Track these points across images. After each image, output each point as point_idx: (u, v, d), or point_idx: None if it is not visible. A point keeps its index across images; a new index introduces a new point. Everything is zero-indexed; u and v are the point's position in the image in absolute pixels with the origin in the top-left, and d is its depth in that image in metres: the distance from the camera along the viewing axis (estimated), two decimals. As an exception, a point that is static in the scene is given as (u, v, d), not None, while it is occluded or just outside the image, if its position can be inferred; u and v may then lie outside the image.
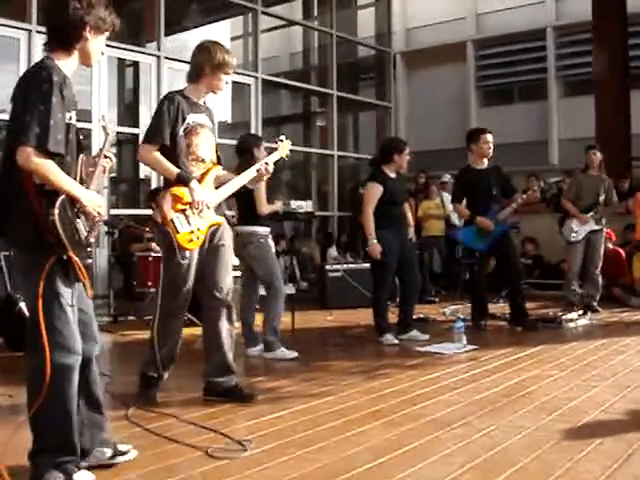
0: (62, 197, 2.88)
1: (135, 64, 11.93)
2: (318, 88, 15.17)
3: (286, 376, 5.36)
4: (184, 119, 4.35)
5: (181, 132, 4.34)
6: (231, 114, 14.99)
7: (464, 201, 7.68)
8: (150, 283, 7.77)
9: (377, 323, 6.87)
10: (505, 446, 3.54)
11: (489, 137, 7.53)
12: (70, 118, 2.99)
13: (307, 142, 15.96)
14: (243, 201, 6.04)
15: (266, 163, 4.67)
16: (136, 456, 3.32)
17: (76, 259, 2.90)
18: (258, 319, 6.40)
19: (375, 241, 6.65)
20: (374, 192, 6.76)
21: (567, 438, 3.68)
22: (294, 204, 7.82)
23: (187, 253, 4.32)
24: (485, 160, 7.58)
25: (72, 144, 3.03)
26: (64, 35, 3.06)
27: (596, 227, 8.51)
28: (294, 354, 6.07)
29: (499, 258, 7.67)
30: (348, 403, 4.45)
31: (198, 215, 4.31)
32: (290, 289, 7.48)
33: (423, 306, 8.97)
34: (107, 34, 3.18)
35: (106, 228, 8.87)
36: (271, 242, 6.22)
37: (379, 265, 6.73)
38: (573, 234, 8.47)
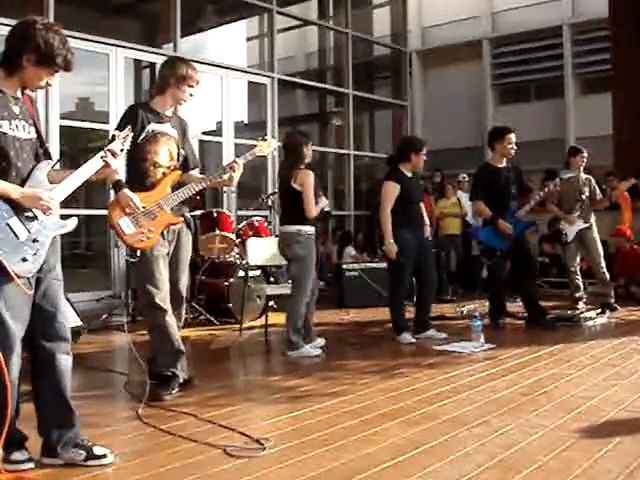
0: None
1: (151, 65, 11.98)
2: (334, 87, 15.17)
3: (304, 375, 5.37)
4: (143, 128, 4.66)
5: (140, 140, 4.63)
6: (247, 114, 15.03)
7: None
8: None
9: (394, 322, 6.86)
10: (523, 445, 3.54)
11: (513, 137, 7.48)
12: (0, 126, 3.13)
13: (323, 142, 15.98)
14: (289, 200, 6.12)
15: (235, 162, 4.79)
16: (112, 461, 3.33)
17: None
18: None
19: (392, 240, 6.64)
20: (391, 191, 6.75)
21: (586, 437, 3.67)
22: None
23: (138, 252, 4.58)
24: (504, 159, 7.56)
25: (4, 151, 3.14)
26: (5, 57, 3.22)
27: (584, 225, 8.50)
28: (318, 351, 6.12)
29: (514, 256, 7.63)
30: (365, 402, 4.45)
31: (149, 216, 4.54)
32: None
33: (440, 305, 8.95)
34: (52, 70, 3.24)
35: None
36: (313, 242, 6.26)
37: (396, 264, 6.72)
38: (563, 236, 8.51)
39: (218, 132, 12.22)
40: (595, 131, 13.71)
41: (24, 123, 3.25)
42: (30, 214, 3.15)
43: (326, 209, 7.46)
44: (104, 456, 3.32)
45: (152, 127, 4.69)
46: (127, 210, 4.48)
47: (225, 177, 4.77)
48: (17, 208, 3.11)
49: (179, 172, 4.77)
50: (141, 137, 4.63)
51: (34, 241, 3.14)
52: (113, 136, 3.57)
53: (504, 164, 7.54)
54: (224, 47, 14.68)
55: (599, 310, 8.17)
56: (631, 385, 4.79)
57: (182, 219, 4.77)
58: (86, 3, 11.25)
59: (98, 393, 4.76)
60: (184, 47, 11.48)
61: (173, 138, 4.79)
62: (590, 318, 7.82)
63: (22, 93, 3.31)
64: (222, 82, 11.81)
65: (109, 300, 9.65)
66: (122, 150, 3.54)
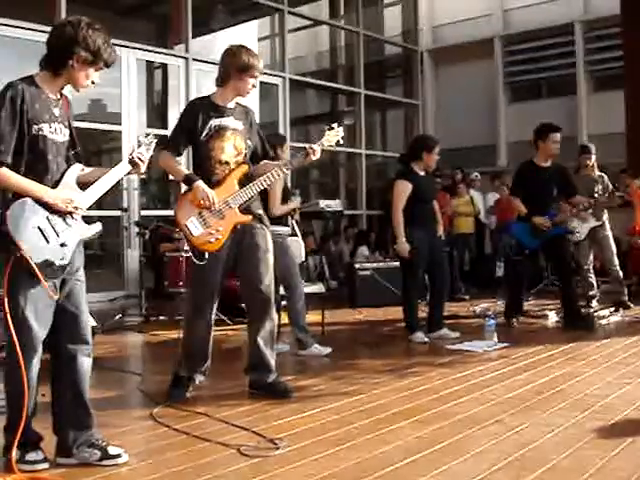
0: (23, 199, 3.09)
1: (163, 66, 12.03)
2: (345, 87, 15.18)
3: (316, 375, 5.37)
4: (205, 124, 4.47)
5: (203, 137, 4.47)
6: (259, 114, 14.99)
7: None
8: (181, 283, 7.82)
9: (407, 321, 6.85)
10: (537, 444, 3.53)
11: (558, 136, 7.35)
12: (39, 130, 3.16)
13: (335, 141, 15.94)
14: (263, 202, 6.10)
15: (311, 147, 4.60)
16: (127, 460, 3.34)
17: (28, 257, 3.03)
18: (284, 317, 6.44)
19: (404, 239, 6.63)
20: (403, 189, 6.73)
21: (600, 436, 3.66)
22: (323, 203, 7.82)
23: (206, 254, 4.41)
24: (549, 158, 7.42)
25: (43, 153, 3.19)
26: (51, 59, 3.24)
27: (596, 223, 8.43)
28: (328, 350, 6.10)
29: (549, 259, 7.59)
30: (379, 401, 4.45)
31: (217, 215, 4.39)
32: (320, 288, 7.48)
33: (453, 304, 8.93)
34: (98, 67, 3.30)
35: (137, 229, 8.95)
36: (289, 241, 6.23)
37: (408, 263, 6.72)
38: (576, 234, 8.44)
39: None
40: (608, 128, 13.65)
41: (61, 126, 3.29)
42: (60, 218, 3.18)
43: (337, 209, 7.46)
44: (118, 456, 3.34)
45: (214, 122, 4.48)
46: (202, 203, 4.33)
47: (295, 165, 4.68)
48: (48, 211, 3.15)
49: (246, 166, 4.56)
50: (204, 134, 4.45)
51: (62, 245, 3.17)
52: (139, 141, 3.57)
53: (548, 163, 7.43)
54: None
55: (613, 308, 8.14)
56: (645, 383, 4.77)
57: (251, 217, 4.57)
58: (98, 4, 11.31)
59: (112, 393, 4.79)
60: (195, 48, 11.50)
61: (238, 131, 4.56)
62: (604, 316, 7.79)
63: (60, 94, 3.34)
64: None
65: (123, 300, 9.69)
66: (148, 155, 3.54)
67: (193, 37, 11.40)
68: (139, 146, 3.53)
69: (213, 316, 4.66)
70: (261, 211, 4.75)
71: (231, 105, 4.61)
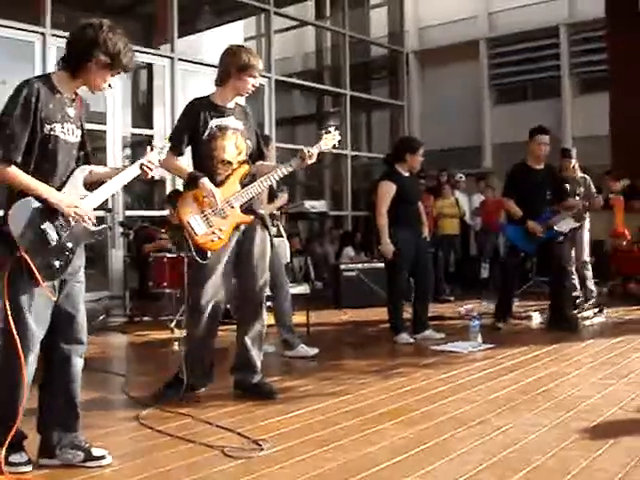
0: (27, 199, 3.07)
1: (149, 66, 11.98)
2: (331, 88, 15.20)
3: (302, 375, 5.37)
4: (207, 124, 4.45)
5: (205, 137, 4.45)
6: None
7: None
8: (165, 284, 7.78)
9: (392, 322, 6.86)
10: (522, 444, 3.54)
11: (544, 138, 7.36)
12: (51, 130, 3.14)
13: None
14: None
15: (308, 150, 4.59)
16: (111, 462, 3.32)
17: (27, 258, 3.01)
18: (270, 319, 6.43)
19: (388, 240, 6.63)
20: (387, 190, 6.73)
21: (584, 436, 3.67)
22: (308, 204, 7.83)
23: (209, 253, 4.39)
24: (542, 161, 7.42)
25: (53, 154, 3.17)
26: (71, 59, 3.23)
27: (576, 225, 8.42)
28: (315, 350, 6.09)
29: (542, 261, 7.60)
30: (364, 402, 4.45)
31: (220, 214, 4.37)
32: (305, 289, 7.47)
33: (438, 305, 8.95)
34: (116, 72, 3.30)
35: (121, 229, 8.91)
36: (273, 241, 6.22)
37: (393, 264, 6.72)
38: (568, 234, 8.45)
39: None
40: (592, 131, 13.71)
41: (74, 126, 3.27)
42: (63, 220, 3.16)
43: (323, 210, 7.45)
44: (102, 457, 3.32)
45: (215, 123, 4.46)
46: (206, 200, 4.30)
47: (294, 166, 4.61)
48: (52, 212, 3.12)
49: (247, 166, 4.56)
50: (205, 135, 4.44)
51: (64, 248, 3.15)
52: (151, 146, 3.56)
53: (541, 166, 7.43)
54: (221, 48, 14.62)
55: (597, 309, 8.17)
56: (629, 384, 4.79)
57: (252, 217, 4.55)
58: (83, 4, 11.25)
59: (96, 394, 4.75)
60: (181, 48, 11.47)
61: (239, 131, 4.56)
62: (588, 317, 7.82)
63: (75, 94, 3.32)
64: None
65: (107, 301, 9.65)
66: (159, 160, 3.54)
67: (179, 37, 11.36)
68: (151, 150, 3.51)
69: (218, 317, 4.62)
70: (263, 211, 4.74)
71: (231, 105, 4.60)
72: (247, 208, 4.52)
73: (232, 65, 4.50)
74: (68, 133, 3.22)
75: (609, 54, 13.12)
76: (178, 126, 4.61)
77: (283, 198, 6.38)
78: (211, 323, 4.56)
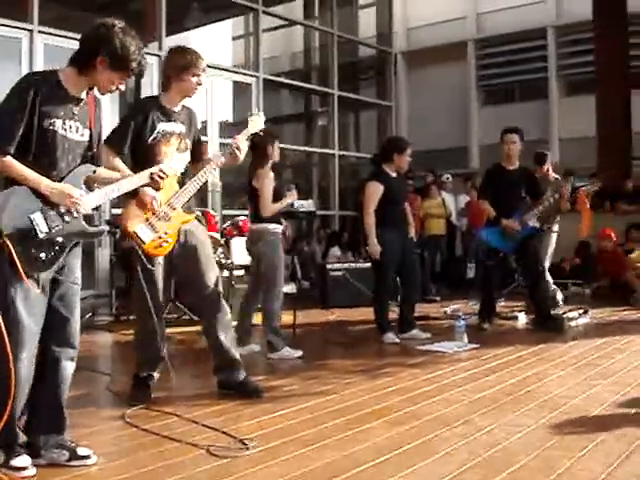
0: (16, 187, 3.05)
1: (136, 64, 11.93)
2: (319, 88, 15.19)
3: (288, 375, 5.37)
4: (154, 128, 4.38)
5: (150, 141, 4.37)
6: (232, 114, 15.00)
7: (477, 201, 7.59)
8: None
9: (378, 322, 6.87)
10: (506, 444, 3.55)
11: (510, 137, 7.42)
12: (51, 124, 3.11)
13: (308, 141, 15.99)
14: (253, 199, 6.08)
15: (235, 139, 4.60)
16: (96, 461, 3.31)
17: (9, 245, 2.95)
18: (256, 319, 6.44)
19: (375, 240, 6.64)
20: (374, 190, 6.75)
21: (568, 436, 3.69)
22: (296, 203, 7.81)
23: (159, 259, 4.41)
24: (515, 160, 7.47)
25: (52, 148, 3.14)
26: (79, 57, 3.21)
27: (537, 226, 8.40)
28: (299, 353, 6.05)
29: (519, 260, 7.63)
30: (350, 402, 4.45)
31: (164, 218, 4.31)
32: (292, 288, 7.47)
33: (424, 305, 8.97)
34: (124, 75, 3.26)
35: (108, 227, 8.87)
36: (281, 240, 6.23)
37: (380, 264, 6.73)
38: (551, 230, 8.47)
39: (203, 131, 12.16)
40: (579, 132, 13.80)
41: (79, 125, 3.23)
42: (56, 213, 3.11)
43: (310, 209, 7.45)
44: (87, 457, 3.31)
45: (162, 127, 4.38)
46: (149, 206, 4.19)
47: (223, 160, 4.55)
48: (44, 203, 3.08)
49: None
50: (151, 138, 4.35)
51: (53, 243, 3.09)
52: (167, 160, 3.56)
53: (515, 166, 7.49)
54: (209, 46, 14.66)
55: (581, 310, 8.20)
56: (613, 385, 4.81)
57: (194, 215, 4.53)
58: (70, 1, 11.21)
59: (81, 393, 4.73)
60: (170, 46, 11.42)
61: (182, 134, 4.48)
62: (573, 318, 7.85)
63: (87, 94, 3.29)
64: (207, 81, 11.78)
65: (93, 299, 9.61)
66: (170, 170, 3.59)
67: (167, 35, 11.32)
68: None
69: (163, 315, 4.65)
70: (198, 211, 4.74)
71: (177, 109, 4.52)
72: (187, 207, 4.47)
73: (170, 69, 4.48)
74: (70, 130, 3.19)
75: (596, 56, 13.19)
76: (125, 124, 4.46)
77: (293, 195, 6.38)
78: (160, 321, 4.55)
